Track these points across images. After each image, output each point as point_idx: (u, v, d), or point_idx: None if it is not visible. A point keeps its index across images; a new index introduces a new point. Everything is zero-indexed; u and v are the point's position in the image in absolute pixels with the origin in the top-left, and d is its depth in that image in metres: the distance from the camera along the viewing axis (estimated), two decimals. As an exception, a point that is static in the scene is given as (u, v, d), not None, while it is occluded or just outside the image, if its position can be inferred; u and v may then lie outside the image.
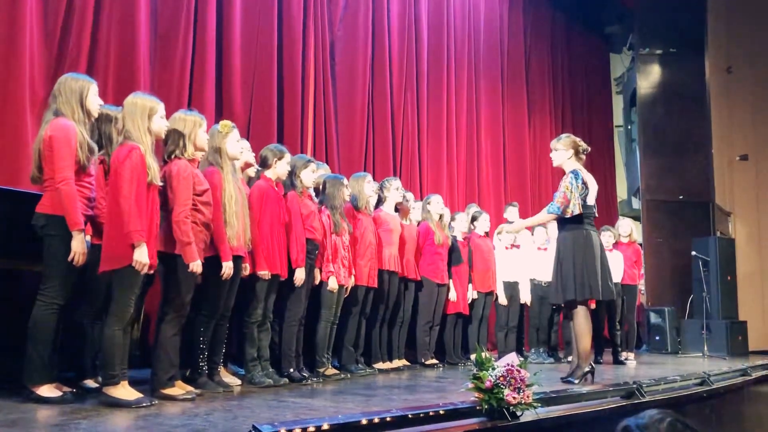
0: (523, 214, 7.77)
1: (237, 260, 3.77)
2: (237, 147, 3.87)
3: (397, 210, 5.74)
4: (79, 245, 3.10)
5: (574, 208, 4.43)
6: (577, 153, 4.62)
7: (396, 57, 7.75)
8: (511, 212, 7.12)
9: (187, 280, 3.36)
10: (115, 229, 3.05)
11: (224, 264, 3.61)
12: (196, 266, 3.33)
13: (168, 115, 3.42)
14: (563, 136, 4.74)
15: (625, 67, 12.05)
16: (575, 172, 4.50)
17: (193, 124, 3.48)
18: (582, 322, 4.49)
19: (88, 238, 3.34)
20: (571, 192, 4.44)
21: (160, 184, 3.20)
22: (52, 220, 3.10)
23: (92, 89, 3.31)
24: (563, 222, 4.57)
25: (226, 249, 3.63)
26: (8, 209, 3.40)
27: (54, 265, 3.10)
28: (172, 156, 3.42)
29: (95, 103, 3.33)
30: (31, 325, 3.06)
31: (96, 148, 3.34)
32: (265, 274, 4.03)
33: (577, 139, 4.69)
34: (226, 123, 3.82)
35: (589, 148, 4.72)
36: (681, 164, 9.76)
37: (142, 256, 3.02)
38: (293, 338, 4.34)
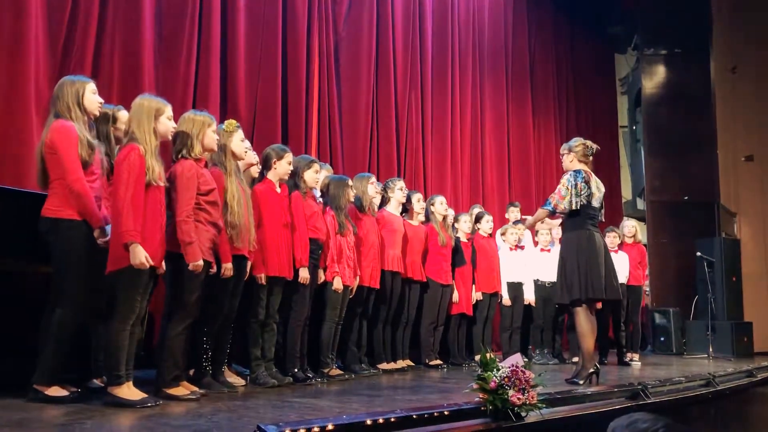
0: (528, 214, 7.77)
1: (241, 260, 3.78)
2: (241, 146, 3.89)
3: (405, 210, 5.74)
4: (104, 237, 3.16)
5: (568, 206, 4.45)
6: (585, 155, 4.62)
7: (400, 57, 7.75)
8: (513, 212, 7.15)
9: (191, 279, 3.36)
10: (115, 231, 3.08)
11: (224, 265, 3.62)
12: (197, 266, 3.33)
13: (174, 117, 3.43)
14: (572, 141, 4.74)
15: (629, 67, 12.01)
16: (577, 172, 4.52)
17: (202, 124, 3.49)
18: (583, 323, 4.49)
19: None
20: (567, 189, 4.47)
21: (162, 184, 3.20)
22: (58, 223, 3.11)
23: (89, 88, 3.31)
24: (567, 223, 4.60)
25: (227, 250, 3.64)
26: (15, 210, 3.41)
27: (63, 266, 3.11)
28: (180, 156, 3.43)
29: (94, 102, 3.34)
30: (54, 328, 3.07)
31: (96, 144, 3.34)
32: (261, 277, 4.04)
33: (587, 142, 4.68)
34: (231, 122, 3.85)
35: (596, 148, 4.69)
36: (686, 165, 9.73)
37: (136, 257, 3.02)
38: (297, 338, 4.34)
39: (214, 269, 3.54)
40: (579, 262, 4.42)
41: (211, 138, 3.53)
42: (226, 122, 3.85)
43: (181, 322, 3.40)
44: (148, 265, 3.06)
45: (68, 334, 3.09)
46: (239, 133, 3.87)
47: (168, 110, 3.30)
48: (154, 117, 3.22)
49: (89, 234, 3.19)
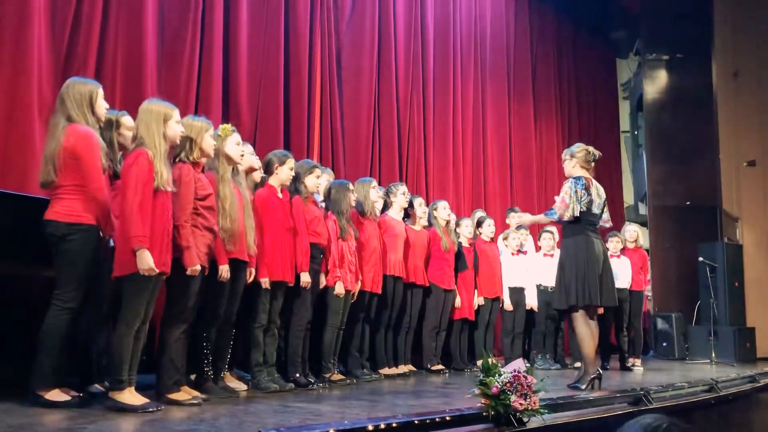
0: (529, 220, 7.77)
1: (238, 264, 3.78)
2: (237, 150, 3.85)
3: (408, 215, 5.74)
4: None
5: (572, 213, 4.47)
6: (586, 161, 4.63)
7: (402, 63, 7.76)
8: (513, 218, 7.14)
9: (188, 284, 3.36)
10: (123, 235, 3.07)
11: (220, 267, 3.63)
12: (194, 270, 3.34)
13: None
14: (574, 146, 4.75)
15: (631, 72, 12.02)
16: (577, 179, 4.54)
17: (200, 129, 3.51)
18: (582, 328, 4.50)
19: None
20: (570, 197, 4.48)
21: (169, 189, 3.21)
22: (74, 227, 3.10)
23: (100, 93, 3.32)
24: (566, 229, 4.62)
25: (222, 252, 3.64)
26: (17, 214, 3.40)
27: (71, 271, 3.10)
28: (177, 160, 3.44)
29: (103, 107, 3.35)
30: (44, 330, 3.05)
31: (109, 152, 3.36)
32: (265, 281, 4.04)
33: (589, 148, 4.68)
34: (225, 126, 3.84)
35: (598, 154, 4.71)
36: (688, 170, 9.73)
37: (144, 262, 3.01)
38: (299, 343, 4.34)
39: (206, 273, 3.54)
40: (577, 268, 4.44)
41: (208, 143, 3.54)
42: (220, 127, 3.83)
43: (178, 327, 3.39)
44: (155, 272, 3.06)
45: (57, 336, 3.05)
46: (234, 137, 3.84)
47: (176, 114, 3.30)
48: (162, 121, 3.22)
49: (100, 238, 3.21)
